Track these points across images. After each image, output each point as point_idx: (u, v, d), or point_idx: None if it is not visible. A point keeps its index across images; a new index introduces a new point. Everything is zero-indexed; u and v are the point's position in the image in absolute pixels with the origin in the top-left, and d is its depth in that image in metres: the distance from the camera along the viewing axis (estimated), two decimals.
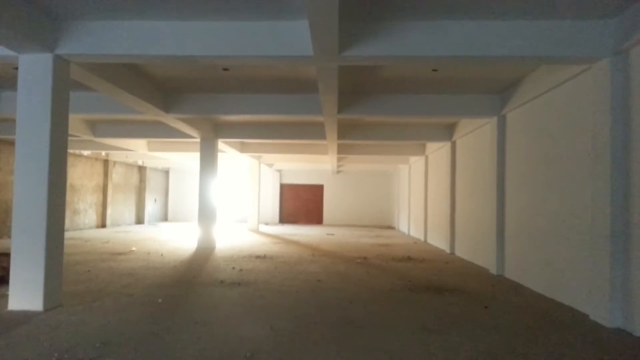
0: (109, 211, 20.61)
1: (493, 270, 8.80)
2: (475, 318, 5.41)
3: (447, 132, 12.47)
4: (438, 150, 14.48)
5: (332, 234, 18.53)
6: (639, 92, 4.98)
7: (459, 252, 11.77)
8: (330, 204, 26.46)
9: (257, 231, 19.58)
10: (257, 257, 10.66)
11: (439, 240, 14.10)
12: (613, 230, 5.15)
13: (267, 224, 25.48)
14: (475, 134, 10.66)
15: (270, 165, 23.50)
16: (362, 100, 9.15)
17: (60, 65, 5.67)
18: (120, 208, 22.03)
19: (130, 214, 23.06)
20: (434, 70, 7.48)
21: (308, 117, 10.81)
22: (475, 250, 10.40)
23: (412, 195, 19.20)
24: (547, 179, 6.96)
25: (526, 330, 4.94)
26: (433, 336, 4.65)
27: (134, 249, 11.95)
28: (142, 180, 24.12)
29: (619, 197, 5.16)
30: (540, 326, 5.11)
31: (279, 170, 26.42)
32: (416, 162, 18.31)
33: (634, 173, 5.00)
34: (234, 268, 8.85)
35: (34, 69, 5.53)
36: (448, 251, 12.36)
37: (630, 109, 5.10)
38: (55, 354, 3.89)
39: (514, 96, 8.12)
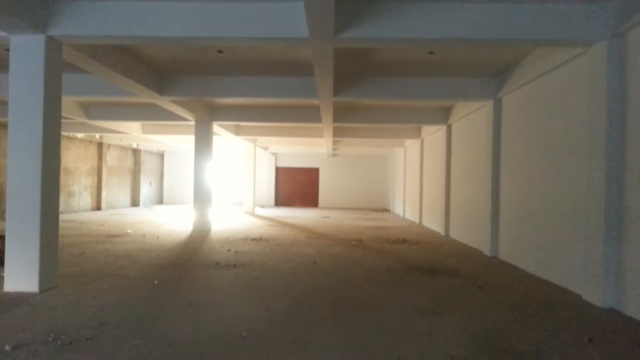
0: (104, 194, 20.57)
1: (487, 252, 8.89)
2: (470, 298, 5.48)
3: (443, 116, 12.45)
4: (434, 134, 14.47)
5: (327, 217, 18.60)
6: (635, 75, 4.99)
7: (454, 235, 11.86)
8: (325, 187, 26.50)
9: (252, 214, 19.62)
10: (253, 239, 10.70)
11: (434, 223, 14.18)
12: (607, 212, 5.20)
13: (262, 206, 25.52)
14: (471, 118, 10.66)
15: (266, 149, 23.44)
16: (358, 83, 9.11)
17: (53, 47, 5.59)
18: (115, 191, 21.99)
19: (125, 196, 23.04)
20: (430, 53, 7.43)
21: (304, 100, 10.77)
22: (470, 232, 10.48)
23: (407, 178, 19.24)
24: (542, 162, 6.99)
25: (519, 310, 5.02)
26: (427, 316, 4.71)
27: (129, 231, 11.96)
28: (136, 163, 24.04)
29: (614, 179, 5.19)
30: (533, 306, 5.19)
31: (275, 154, 26.37)
32: (412, 146, 18.31)
33: (628, 156, 5.03)
34: (229, 250, 8.89)
35: (26, 50, 5.45)
36: (443, 233, 12.45)
37: (626, 92, 5.11)
38: (52, 334, 3.92)
39: (510, 79, 8.10)
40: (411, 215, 18.05)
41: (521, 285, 6.27)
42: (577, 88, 6.09)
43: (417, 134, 16.04)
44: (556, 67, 6.57)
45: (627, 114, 5.07)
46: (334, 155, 25.74)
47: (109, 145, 21.07)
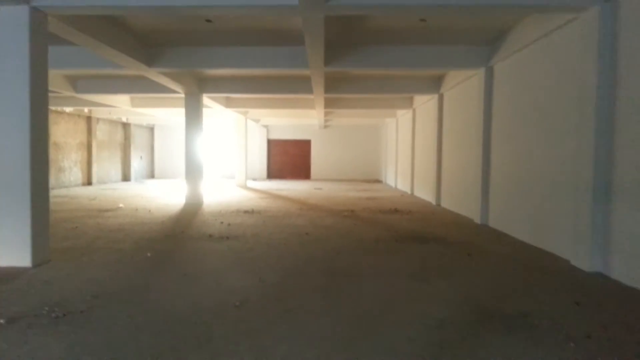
0: (94, 169, 20.42)
1: (477, 220, 8.99)
2: (460, 265, 5.57)
3: (434, 85, 12.38)
4: (425, 104, 14.42)
5: (319, 189, 18.65)
6: (626, 41, 4.96)
7: (445, 204, 11.95)
8: (317, 159, 26.47)
9: (244, 187, 19.62)
10: (245, 212, 10.73)
11: (425, 193, 14.28)
12: (595, 179, 5.25)
13: (254, 179, 25.50)
14: (463, 86, 10.61)
15: (257, 121, 23.27)
16: (349, 52, 8.99)
17: (37, 18, 5.43)
18: (106, 165, 21.83)
19: (116, 171, 22.89)
20: (422, 20, 7.33)
21: (295, 71, 10.61)
22: (461, 201, 10.57)
23: (399, 149, 19.26)
24: (533, 130, 7.00)
25: (508, 275, 5.11)
26: (418, 283, 4.79)
27: (121, 205, 11.93)
28: (126, 137, 23.80)
29: (603, 147, 5.22)
30: (522, 272, 5.28)
31: (266, 126, 26.19)
32: (404, 116, 18.25)
33: (618, 123, 5.05)
34: (222, 223, 8.92)
35: (9, 22, 5.30)
36: (434, 203, 12.55)
37: (617, 59, 5.08)
38: (46, 307, 3.94)
39: (502, 47, 8.03)
40: (403, 185, 18.14)
41: (510, 252, 6.37)
42: (568, 55, 6.05)
43: (409, 104, 15.97)
44: (548, 33, 6.50)
45: (618, 80, 5.05)
46: (325, 126, 25.63)
47: (98, 119, 20.80)
